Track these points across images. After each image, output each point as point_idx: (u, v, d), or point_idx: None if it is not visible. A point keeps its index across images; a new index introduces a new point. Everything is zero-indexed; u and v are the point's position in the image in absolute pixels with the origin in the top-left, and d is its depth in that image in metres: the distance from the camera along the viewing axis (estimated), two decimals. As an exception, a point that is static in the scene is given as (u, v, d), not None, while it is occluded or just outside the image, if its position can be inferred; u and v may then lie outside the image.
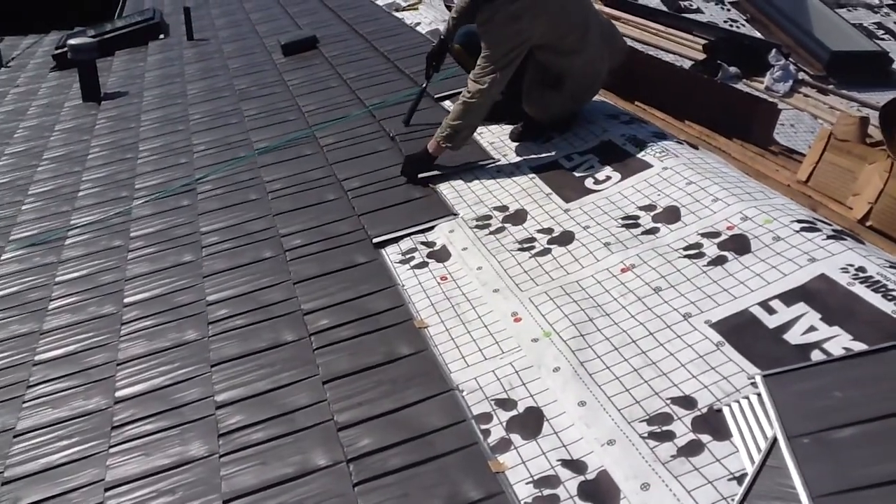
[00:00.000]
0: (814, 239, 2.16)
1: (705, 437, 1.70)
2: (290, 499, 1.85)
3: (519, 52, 2.98)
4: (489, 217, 2.84)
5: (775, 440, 1.55)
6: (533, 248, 2.59)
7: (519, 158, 3.20)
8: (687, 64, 5.85)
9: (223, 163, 3.88)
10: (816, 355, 1.80)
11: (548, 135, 3.27)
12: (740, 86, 5.57)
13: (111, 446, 2.18)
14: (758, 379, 1.73)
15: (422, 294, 2.50)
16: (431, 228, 2.86)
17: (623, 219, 2.59)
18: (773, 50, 6.02)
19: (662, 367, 1.92)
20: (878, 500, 1.37)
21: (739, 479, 1.57)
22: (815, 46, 6.24)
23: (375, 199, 3.13)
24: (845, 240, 2.15)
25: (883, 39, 6.76)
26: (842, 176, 3.24)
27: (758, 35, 6.61)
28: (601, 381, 1.93)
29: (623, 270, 2.33)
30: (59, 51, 6.61)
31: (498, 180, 3.07)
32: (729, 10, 7.10)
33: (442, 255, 2.70)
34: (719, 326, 1.99)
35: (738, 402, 1.74)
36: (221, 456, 2.03)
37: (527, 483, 1.73)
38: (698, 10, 7.02)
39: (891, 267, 1.99)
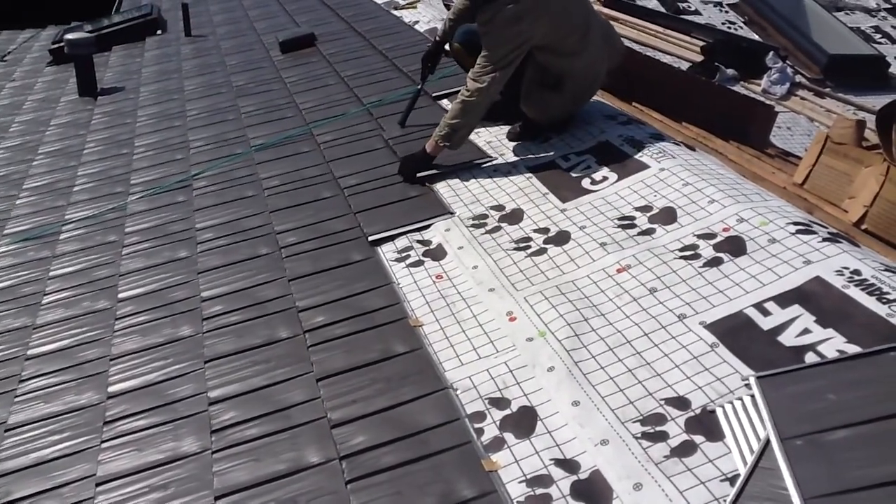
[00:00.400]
0: (809, 241, 2.16)
1: (698, 438, 1.70)
2: (283, 496, 1.85)
3: (519, 53, 2.97)
4: (485, 216, 2.84)
5: (768, 441, 1.56)
6: (529, 247, 2.59)
7: (516, 158, 3.20)
8: (685, 65, 5.86)
9: (219, 159, 3.87)
10: (810, 357, 1.80)
11: (545, 135, 3.27)
12: (738, 88, 5.57)
13: (103, 441, 2.17)
14: (751, 380, 1.73)
15: (417, 292, 2.50)
16: (427, 227, 2.86)
17: (619, 219, 2.59)
18: (771, 52, 6.02)
19: (656, 368, 1.92)
20: (870, 502, 1.38)
21: (732, 480, 1.58)
22: (812, 49, 6.25)
23: (372, 196, 3.13)
24: (841, 243, 2.15)
25: (880, 43, 6.78)
26: (838, 179, 3.25)
27: (755, 37, 6.62)
28: (595, 381, 1.93)
29: (619, 271, 2.33)
30: (56, 45, 6.60)
31: (495, 180, 3.06)
32: (727, 11, 7.11)
33: (438, 253, 2.70)
34: (714, 327, 1.99)
35: (731, 403, 1.74)
36: (214, 452, 2.03)
37: (520, 482, 1.73)
38: (696, 12, 7.04)
39: (886, 270, 1.99)
